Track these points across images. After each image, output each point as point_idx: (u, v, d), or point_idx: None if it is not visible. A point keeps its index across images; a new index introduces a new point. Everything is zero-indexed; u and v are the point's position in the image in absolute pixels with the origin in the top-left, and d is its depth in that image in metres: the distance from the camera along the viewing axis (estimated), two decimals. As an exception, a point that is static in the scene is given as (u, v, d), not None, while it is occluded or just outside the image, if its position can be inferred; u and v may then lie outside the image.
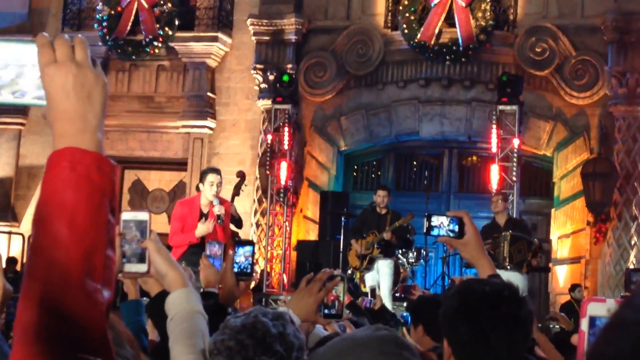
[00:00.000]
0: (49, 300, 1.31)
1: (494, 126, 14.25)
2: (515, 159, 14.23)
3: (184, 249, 8.44)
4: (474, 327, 2.37)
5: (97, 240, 1.37)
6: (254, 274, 4.19)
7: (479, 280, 2.57)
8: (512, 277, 10.04)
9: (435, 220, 3.13)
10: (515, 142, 14.21)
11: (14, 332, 1.35)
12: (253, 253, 4.14)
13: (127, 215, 2.50)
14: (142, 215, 2.49)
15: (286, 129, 15.26)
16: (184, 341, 2.54)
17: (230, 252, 4.12)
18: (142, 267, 2.47)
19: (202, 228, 8.39)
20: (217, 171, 8.78)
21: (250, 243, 4.19)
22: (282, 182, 15.19)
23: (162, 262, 2.53)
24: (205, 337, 2.59)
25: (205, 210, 8.58)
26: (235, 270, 4.01)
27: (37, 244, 1.37)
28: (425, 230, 3.16)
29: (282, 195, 15.28)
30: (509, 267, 10.69)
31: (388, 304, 10.94)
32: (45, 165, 1.41)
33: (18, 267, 15.57)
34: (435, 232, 3.15)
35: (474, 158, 16.67)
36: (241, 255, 4.07)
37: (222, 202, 8.67)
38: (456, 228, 3.11)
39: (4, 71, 1.44)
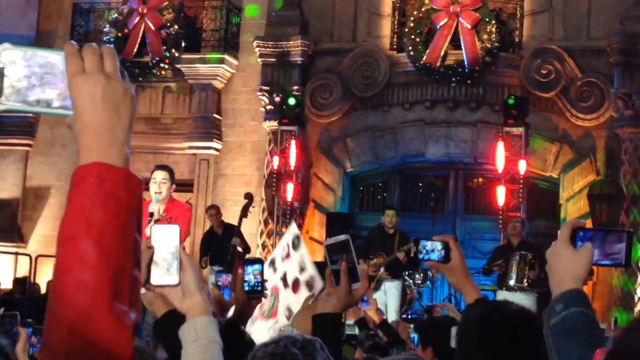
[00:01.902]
0: (77, 324, 1.28)
1: (500, 148, 14.24)
2: (521, 181, 14.22)
3: None
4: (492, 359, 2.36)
5: (125, 261, 1.33)
6: (265, 292, 4.17)
7: (498, 307, 2.54)
8: (521, 299, 10.05)
9: (423, 245, 3.14)
10: (522, 163, 14.20)
11: (40, 355, 1.32)
12: (262, 271, 4.12)
13: (156, 229, 2.51)
14: (172, 229, 2.49)
15: (292, 150, 15.28)
16: None
17: (240, 270, 4.11)
18: (172, 280, 2.45)
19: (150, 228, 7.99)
20: (163, 168, 8.20)
21: (259, 261, 4.17)
22: (288, 204, 15.20)
23: (194, 281, 2.49)
24: None
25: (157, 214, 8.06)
26: (246, 288, 3.99)
27: (63, 265, 1.33)
28: (412, 255, 3.16)
29: (288, 216, 15.26)
30: (516, 288, 10.69)
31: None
32: (70, 180, 1.36)
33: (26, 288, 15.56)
34: (421, 256, 3.15)
35: (480, 180, 16.65)
36: (250, 273, 4.05)
37: (178, 205, 8.11)
38: (443, 253, 3.12)
39: (29, 79, 1.41)
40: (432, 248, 3.10)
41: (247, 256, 10.88)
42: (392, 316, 11.43)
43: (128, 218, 1.36)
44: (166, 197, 7.82)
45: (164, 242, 2.45)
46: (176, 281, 2.44)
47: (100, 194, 1.34)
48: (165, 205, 7.82)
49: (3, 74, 1.39)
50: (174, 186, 7.91)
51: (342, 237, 2.88)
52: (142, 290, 3.02)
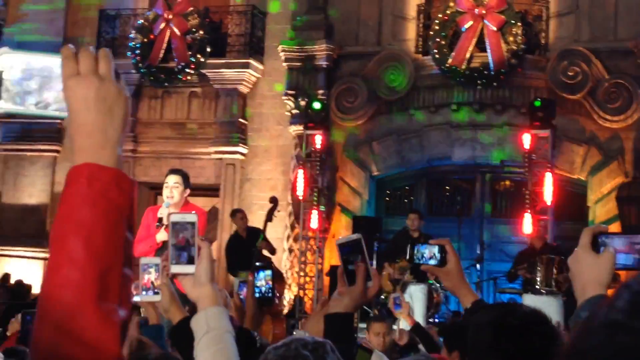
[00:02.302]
0: (63, 320, 1.30)
1: (527, 150, 14.15)
2: (548, 184, 14.11)
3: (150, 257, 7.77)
4: None
5: (113, 260, 1.35)
6: (275, 299, 4.18)
7: (510, 310, 2.53)
8: (547, 303, 9.98)
9: (421, 251, 3.13)
10: (549, 166, 14.10)
11: (30, 350, 1.35)
12: (273, 277, 4.12)
13: (175, 217, 2.49)
14: (191, 217, 2.48)
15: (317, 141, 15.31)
16: None
17: (250, 277, 4.12)
18: (190, 269, 2.46)
19: (161, 234, 7.44)
20: (175, 172, 7.71)
21: (269, 267, 4.20)
22: (314, 206, 15.21)
23: (207, 271, 2.50)
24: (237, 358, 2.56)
25: (166, 219, 7.57)
26: (257, 295, 3.99)
27: (53, 262, 1.36)
28: (407, 258, 3.17)
29: (314, 220, 15.26)
30: (544, 291, 10.60)
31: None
32: (65, 181, 1.39)
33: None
34: (417, 260, 3.15)
35: (507, 183, 16.55)
36: (262, 279, 4.05)
37: (192, 209, 7.50)
38: (439, 256, 3.10)
39: (28, 82, 1.44)
40: (431, 255, 3.09)
41: (258, 263, 10.79)
42: (418, 320, 11.36)
43: (118, 218, 1.38)
44: (179, 202, 7.48)
45: (183, 230, 2.45)
46: (194, 270, 2.46)
47: (90, 194, 1.36)
48: (178, 210, 7.41)
49: (1, 78, 1.41)
50: (188, 190, 7.67)
51: (354, 236, 2.89)
52: (158, 298, 3.03)
